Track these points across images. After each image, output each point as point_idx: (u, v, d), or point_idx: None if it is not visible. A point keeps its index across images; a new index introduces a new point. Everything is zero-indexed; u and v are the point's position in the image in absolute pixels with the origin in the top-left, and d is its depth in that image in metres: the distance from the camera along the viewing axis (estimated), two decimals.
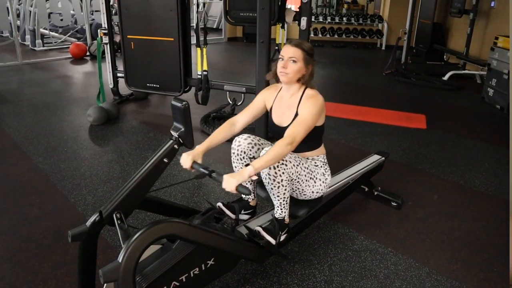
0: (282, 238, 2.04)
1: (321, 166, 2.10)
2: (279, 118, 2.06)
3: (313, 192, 2.08)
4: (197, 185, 3.07)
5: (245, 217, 2.18)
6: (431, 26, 7.66)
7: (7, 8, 7.11)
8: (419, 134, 4.23)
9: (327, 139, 3.92)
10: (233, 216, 2.12)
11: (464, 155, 3.73)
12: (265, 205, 2.58)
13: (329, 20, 9.84)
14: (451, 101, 5.57)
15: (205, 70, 4.17)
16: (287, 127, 1.94)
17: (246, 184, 2.11)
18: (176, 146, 1.75)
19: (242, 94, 4.25)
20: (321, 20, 9.86)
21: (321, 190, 2.11)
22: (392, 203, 2.83)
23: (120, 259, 1.44)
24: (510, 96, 4.54)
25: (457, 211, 2.81)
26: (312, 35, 9.37)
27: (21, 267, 2.16)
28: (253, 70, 3.07)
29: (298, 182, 2.01)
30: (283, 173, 1.89)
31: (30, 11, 8.03)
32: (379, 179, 2.98)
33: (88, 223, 1.68)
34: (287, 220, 2.06)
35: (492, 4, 6.78)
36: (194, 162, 1.90)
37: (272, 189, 1.94)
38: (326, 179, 2.11)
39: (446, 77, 6.51)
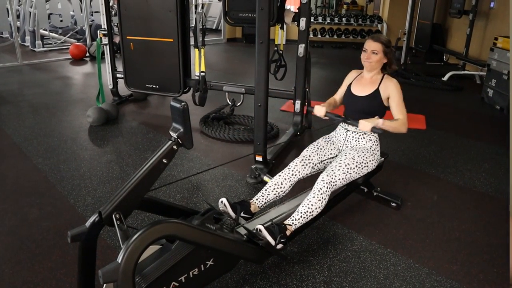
0: (278, 246, 2.03)
1: (374, 141, 2.48)
2: (359, 90, 2.51)
3: (368, 171, 2.46)
4: (196, 185, 3.07)
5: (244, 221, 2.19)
6: (430, 26, 7.67)
7: (7, 9, 7.11)
8: (419, 135, 4.23)
9: None
10: (233, 215, 2.12)
11: (464, 156, 3.74)
12: (266, 207, 2.57)
13: (329, 21, 9.86)
14: (450, 102, 5.57)
15: (202, 71, 4.17)
16: (363, 96, 2.46)
17: (267, 192, 2.35)
18: (175, 147, 1.75)
19: (241, 95, 4.25)
20: (320, 20, 9.87)
21: (373, 165, 2.48)
22: (392, 204, 2.83)
23: (119, 259, 1.44)
24: (510, 96, 4.54)
25: (457, 211, 2.81)
26: (311, 35, 9.37)
27: (21, 267, 2.16)
28: (252, 71, 3.07)
29: (354, 177, 2.37)
30: (328, 192, 2.21)
31: (30, 12, 8.04)
32: (379, 180, 2.98)
33: (88, 223, 1.68)
34: (289, 230, 2.07)
35: (492, 5, 6.79)
36: (327, 112, 2.48)
37: (313, 197, 2.16)
38: (375, 155, 2.49)
39: (445, 78, 6.51)
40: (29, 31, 8.33)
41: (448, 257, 2.33)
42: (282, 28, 4.02)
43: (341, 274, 2.16)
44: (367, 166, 2.42)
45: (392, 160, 3.53)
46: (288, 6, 4.69)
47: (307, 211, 2.14)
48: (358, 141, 2.48)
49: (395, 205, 2.82)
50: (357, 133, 2.48)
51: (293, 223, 2.11)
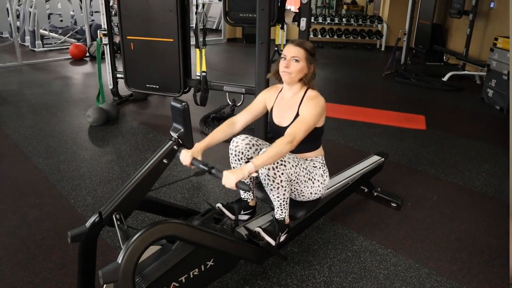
0: (282, 238, 2.04)
1: (320, 168, 2.10)
2: (279, 118, 2.07)
3: (311, 193, 2.08)
4: (196, 185, 3.07)
5: (245, 217, 2.18)
6: (430, 27, 7.67)
7: (7, 9, 7.11)
8: (419, 135, 4.23)
9: (327, 139, 3.92)
10: (232, 217, 2.12)
11: (464, 156, 3.74)
12: (265, 206, 2.58)
13: (329, 21, 9.86)
14: (450, 102, 5.57)
15: (204, 71, 4.17)
16: (287, 126, 1.95)
17: (246, 181, 2.10)
18: (175, 147, 1.75)
19: (242, 95, 4.25)
20: (320, 21, 9.87)
21: (319, 191, 2.11)
22: (392, 204, 2.83)
23: (119, 260, 1.44)
24: (510, 96, 4.54)
25: (457, 212, 2.81)
26: (311, 36, 9.38)
27: (21, 268, 2.16)
28: (252, 71, 3.07)
29: (297, 183, 2.01)
30: (282, 173, 1.88)
31: (30, 12, 8.03)
32: (379, 180, 2.98)
33: (88, 224, 1.68)
34: (287, 220, 2.06)
35: (492, 5, 6.79)
36: (194, 159, 1.88)
37: (271, 190, 1.94)
38: (324, 180, 2.11)
39: (445, 78, 6.51)
40: (29, 31, 8.33)
41: (448, 257, 2.33)
42: (282, 28, 4.03)
43: (342, 274, 2.16)
44: (313, 183, 2.06)
45: (392, 160, 3.53)
46: (288, 6, 4.69)
47: (281, 204, 1.99)
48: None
49: (395, 205, 2.81)
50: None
51: (281, 216, 2.03)
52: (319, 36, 9.83)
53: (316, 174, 2.07)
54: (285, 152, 1.82)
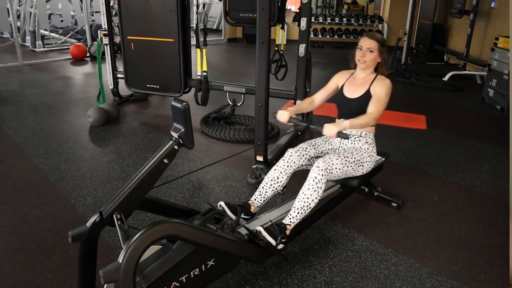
0: (279, 246, 2.03)
1: (370, 143, 2.42)
2: (350, 92, 2.44)
3: (363, 172, 2.39)
4: (197, 185, 3.07)
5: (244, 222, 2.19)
6: (431, 26, 7.67)
7: (8, 9, 7.12)
8: (419, 135, 4.23)
9: None
10: (233, 217, 2.12)
11: (464, 156, 3.73)
12: (265, 207, 2.58)
13: (329, 21, 9.85)
14: (451, 102, 5.57)
15: (204, 71, 4.17)
16: (355, 98, 2.38)
17: (265, 188, 2.30)
18: (176, 147, 1.75)
19: (242, 95, 4.25)
20: (321, 20, 9.87)
21: (369, 167, 2.42)
22: (392, 204, 2.83)
23: (120, 259, 1.44)
24: (510, 96, 4.54)
25: (458, 211, 2.81)
26: (312, 35, 9.37)
27: (22, 268, 2.16)
28: (253, 71, 3.06)
29: (349, 173, 2.30)
30: (325, 180, 2.14)
31: (31, 12, 8.04)
32: (379, 180, 2.98)
33: (89, 223, 1.68)
34: (289, 230, 2.07)
35: (492, 5, 6.78)
36: (291, 117, 2.30)
37: (308, 189, 2.11)
38: (372, 157, 2.42)
39: (446, 78, 6.51)
40: (29, 31, 8.33)
41: (448, 257, 2.33)
42: (282, 28, 4.02)
43: (342, 274, 2.16)
44: (363, 165, 2.36)
45: (393, 160, 3.52)
46: (288, 6, 4.68)
47: (304, 205, 2.10)
48: (354, 143, 2.44)
49: (395, 205, 2.81)
50: (353, 135, 2.43)
51: (291, 221, 2.09)
52: (320, 36, 9.83)
53: (364, 156, 2.36)
54: (370, 124, 2.31)
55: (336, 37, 9.80)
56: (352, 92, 2.43)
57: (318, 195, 2.13)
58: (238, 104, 4.30)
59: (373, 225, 2.62)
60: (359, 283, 2.10)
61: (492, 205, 2.90)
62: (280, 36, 4.10)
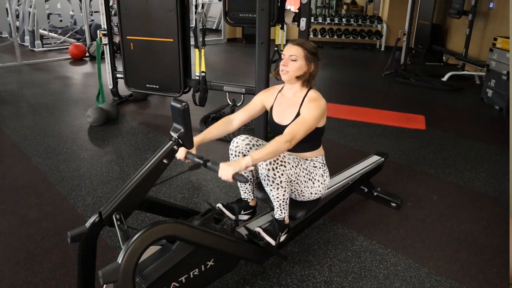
0: (282, 238, 2.05)
1: (320, 168, 2.10)
2: (279, 117, 2.07)
3: (311, 193, 2.08)
4: (196, 185, 3.07)
5: (245, 217, 2.18)
6: (430, 27, 7.68)
7: (6, 9, 7.11)
8: (418, 135, 4.23)
9: (326, 139, 3.91)
10: (232, 217, 2.12)
11: (463, 156, 3.74)
12: (265, 206, 2.58)
13: (329, 21, 9.86)
14: (450, 102, 5.57)
15: (203, 71, 4.17)
16: (287, 125, 1.95)
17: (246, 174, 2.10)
18: (175, 147, 1.75)
19: (242, 95, 4.25)
20: (320, 21, 9.87)
21: (320, 191, 2.11)
22: (392, 204, 2.83)
23: (119, 260, 1.44)
24: (510, 97, 4.55)
25: (457, 211, 2.81)
26: (311, 36, 9.37)
27: (21, 268, 2.16)
28: (252, 71, 3.07)
29: (297, 183, 2.00)
30: (282, 174, 1.89)
31: (29, 12, 8.03)
32: (379, 180, 2.98)
33: (88, 224, 1.68)
34: (287, 220, 2.06)
35: (491, 5, 6.79)
36: (188, 152, 1.87)
37: (271, 190, 1.94)
38: (324, 180, 2.11)
39: (445, 78, 6.52)
40: (28, 31, 8.32)
41: (447, 257, 2.33)
42: (282, 28, 4.03)
43: (342, 274, 2.16)
44: (313, 182, 2.06)
45: (392, 160, 3.53)
46: (288, 6, 4.69)
47: (281, 204, 1.99)
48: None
49: (395, 205, 2.82)
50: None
51: (282, 214, 2.03)
52: (319, 36, 9.83)
53: (316, 174, 2.07)
54: (282, 150, 1.83)
55: (335, 37, 9.81)
56: (281, 117, 2.05)
57: (285, 187, 1.92)
58: (238, 104, 4.30)
59: (372, 225, 2.62)
60: (359, 283, 2.11)
61: (491, 205, 2.91)
62: (279, 36, 4.11)
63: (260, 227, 2.01)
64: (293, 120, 1.96)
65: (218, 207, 2.12)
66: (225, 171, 1.70)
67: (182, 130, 1.71)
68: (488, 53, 5.52)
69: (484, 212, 2.81)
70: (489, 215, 2.78)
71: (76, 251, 1.76)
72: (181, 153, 1.86)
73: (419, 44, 8.14)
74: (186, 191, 2.98)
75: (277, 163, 1.86)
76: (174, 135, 1.73)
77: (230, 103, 4.32)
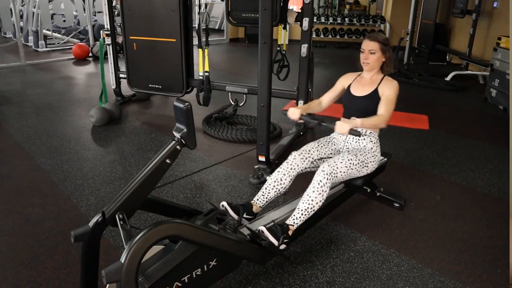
0: (282, 247, 2.03)
1: (374, 142, 2.43)
2: (358, 90, 2.47)
3: (367, 172, 2.40)
4: (199, 185, 3.07)
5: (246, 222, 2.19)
6: (433, 26, 7.65)
7: (11, 9, 7.14)
8: (422, 135, 4.22)
9: None
10: (236, 216, 2.12)
11: (467, 156, 3.72)
12: (267, 207, 2.58)
13: (331, 21, 9.84)
14: (453, 102, 5.55)
15: (206, 71, 4.17)
16: (363, 96, 2.41)
17: (268, 189, 2.31)
18: (178, 147, 1.75)
19: (244, 95, 4.25)
20: (323, 20, 9.86)
21: (373, 166, 2.42)
22: (395, 204, 2.82)
23: (122, 259, 1.44)
24: (510, 96, 4.53)
25: (460, 212, 2.80)
26: (314, 35, 9.36)
27: (24, 267, 2.17)
28: (255, 71, 3.07)
29: (354, 175, 2.32)
30: (329, 184, 2.14)
31: (33, 12, 8.06)
32: (382, 180, 2.98)
33: (91, 223, 1.68)
34: (291, 230, 2.07)
35: (495, 5, 6.76)
36: (302, 114, 2.30)
37: (310, 193, 2.12)
38: (376, 156, 2.44)
39: (448, 78, 6.50)
40: (32, 31, 8.36)
41: (451, 258, 2.32)
42: (285, 28, 4.02)
43: (344, 275, 2.16)
44: (367, 166, 2.37)
45: (395, 160, 3.52)
46: (291, 6, 4.68)
47: (308, 207, 2.11)
48: (359, 143, 2.45)
49: (398, 205, 2.81)
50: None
51: (294, 222, 2.10)
52: (322, 36, 9.82)
53: (368, 157, 2.37)
54: (381, 125, 2.33)
55: (338, 37, 9.79)
56: (360, 91, 2.46)
57: (323, 198, 2.14)
58: (240, 104, 4.31)
59: (375, 225, 2.61)
60: (361, 283, 2.10)
61: (495, 206, 2.90)
62: (282, 36, 4.10)
63: (264, 226, 2.00)
64: (369, 94, 2.39)
65: (223, 204, 2.12)
66: (343, 126, 2.12)
67: (185, 130, 1.71)
68: (492, 52, 5.49)
69: (488, 213, 2.80)
70: (493, 216, 2.76)
71: (79, 250, 1.77)
72: (296, 114, 2.30)
73: (422, 44, 8.11)
74: (189, 191, 2.98)
75: (331, 175, 2.14)
76: (177, 135, 1.74)
77: (233, 103, 4.32)
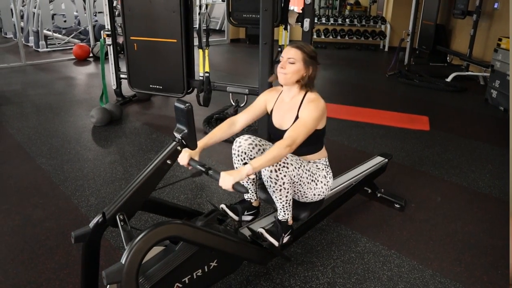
0: (286, 240, 2.04)
1: (323, 169, 2.10)
2: (279, 121, 2.07)
3: (314, 194, 2.08)
4: (200, 186, 3.07)
5: (248, 218, 2.18)
6: (434, 27, 7.64)
7: (11, 9, 7.14)
8: (422, 136, 4.21)
9: (330, 140, 3.92)
10: (236, 217, 2.12)
11: (468, 157, 3.72)
12: (269, 207, 2.58)
13: (332, 22, 9.84)
14: (454, 103, 5.55)
15: (207, 72, 4.17)
16: (287, 130, 1.94)
17: (246, 183, 2.12)
18: (179, 148, 1.75)
19: (245, 96, 4.25)
20: (324, 21, 9.85)
21: (323, 192, 2.11)
22: (395, 205, 2.82)
23: (123, 260, 1.44)
24: (510, 97, 4.52)
25: (461, 213, 2.80)
26: (315, 36, 9.36)
27: (25, 267, 2.17)
28: (256, 72, 3.07)
29: (299, 184, 2.00)
30: (284, 175, 1.88)
31: (34, 13, 8.06)
32: (382, 181, 2.97)
33: (91, 224, 1.68)
34: (290, 221, 2.06)
35: (496, 6, 6.76)
36: (191, 159, 1.87)
37: (274, 192, 1.94)
38: (328, 181, 2.11)
39: (449, 79, 6.49)
40: (33, 31, 8.35)
41: (452, 259, 2.32)
42: (285, 29, 4.03)
43: (345, 276, 2.16)
44: (316, 184, 2.06)
45: (396, 161, 3.52)
46: (291, 7, 4.68)
47: (284, 205, 1.99)
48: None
49: (398, 206, 2.81)
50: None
51: (285, 214, 2.03)
52: (323, 37, 9.82)
53: (319, 175, 2.07)
54: (283, 155, 1.83)
55: (339, 38, 9.79)
56: (281, 121, 2.06)
57: (288, 188, 1.93)
58: (241, 105, 4.30)
59: (376, 226, 2.61)
60: (362, 284, 2.10)
61: (495, 206, 2.89)
62: (283, 36, 4.11)
63: (263, 228, 2.00)
64: (291, 126, 1.94)
65: (222, 208, 2.12)
66: (226, 181, 1.69)
67: (186, 130, 1.71)
68: (493, 53, 5.49)
69: (489, 214, 2.80)
70: (494, 217, 2.76)
71: (79, 251, 1.77)
72: (184, 159, 1.86)
73: (423, 45, 8.10)
74: (190, 192, 2.98)
75: (280, 165, 1.86)
76: (178, 135, 1.73)
77: (234, 104, 4.32)
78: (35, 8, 8.01)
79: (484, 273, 2.21)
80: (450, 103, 5.53)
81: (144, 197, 1.77)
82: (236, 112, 4.38)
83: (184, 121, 1.70)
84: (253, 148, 2.03)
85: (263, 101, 2.15)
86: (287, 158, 1.89)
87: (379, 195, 2.88)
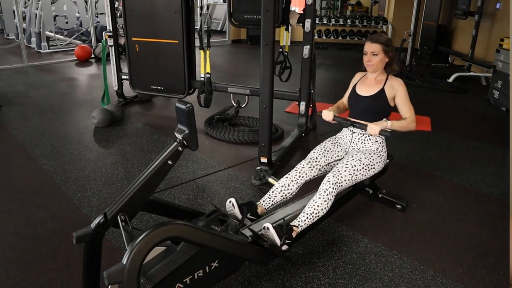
0: (284, 246, 2.03)
1: (380, 142, 2.47)
2: (363, 90, 2.52)
3: (374, 173, 2.44)
4: (201, 187, 3.08)
5: (248, 223, 2.19)
6: (436, 28, 7.63)
7: (13, 11, 7.16)
8: (424, 136, 4.21)
9: None
10: (239, 216, 2.12)
11: (469, 158, 3.71)
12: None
13: (333, 22, 9.84)
14: (456, 103, 5.54)
15: (208, 73, 4.17)
16: (368, 96, 2.47)
17: (273, 193, 2.36)
18: (180, 148, 1.75)
19: (246, 97, 4.25)
20: (325, 22, 9.85)
21: (380, 167, 2.47)
22: (397, 206, 2.81)
23: (124, 261, 1.44)
24: (510, 97, 4.51)
25: (462, 213, 2.80)
26: (316, 37, 9.36)
27: (26, 268, 2.17)
28: (257, 72, 3.07)
29: (360, 178, 2.34)
30: (336, 191, 2.21)
31: (36, 14, 8.09)
32: (384, 182, 2.97)
33: (93, 225, 1.69)
34: (296, 232, 2.06)
35: (498, 6, 6.75)
36: (335, 116, 2.45)
37: (318, 198, 2.16)
38: (382, 156, 2.48)
39: (451, 79, 6.48)
40: (35, 32, 8.38)
41: (453, 260, 2.31)
42: (287, 29, 4.02)
43: (346, 276, 2.15)
44: (374, 168, 2.40)
45: (398, 162, 3.51)
46: (293, 7, 4.69)
47: (313, 212, 2.13)
48: (364, 143, 2.47)
49: (400, 207, 2.80)
50: (363, 134, 2.46)
51: (299, 224, 2.11)
52: (324, 37, 9.82)
53: (374, 158, 2.40)
54: (411, 128, 2.43)
55: (340, 38, 9.79)
56: (365, 91, 2.51)
57: (328, 206, 2.18)
58: (242, 106, 4.30)
59: (377, 227, 2.61)
60: (363, 285, 2.10)
61: (497, 207, 2.89)
62: (284, 37, 4.11)
63: (270, 223, 1.99)
64: (374, 94, 2.45)
65: (231, 201, 2.13)
66: (374, 129, 2.27)
67: (187, 131, 1.72)
68: (495, 54, 5.48)
69: (490, 214, 2.79)
70: (495, 217, 2.75)
71: (81, 251, 1.77)
72: (330, 115, 2.45)
73: (424, 45, 8.09)
74: (191, 193, 2.98)
75: (337, 186, 2.21)
76: (179, 136, 1.74)
77: (235, 105, 4.32)
78: (37, 9, 8.03)
79: (486, 274, 2.21)
80: (452, 104, 5.53)
81: (146, 197, 1.77)
82: (237, 113, 4.38)
83: (185, 121, 1.71)
84: (312, 169, 2.40)
85: (354, 83, 2.63)
86: (341, 176, 2.23)
87: (380, 195, 2.87)
